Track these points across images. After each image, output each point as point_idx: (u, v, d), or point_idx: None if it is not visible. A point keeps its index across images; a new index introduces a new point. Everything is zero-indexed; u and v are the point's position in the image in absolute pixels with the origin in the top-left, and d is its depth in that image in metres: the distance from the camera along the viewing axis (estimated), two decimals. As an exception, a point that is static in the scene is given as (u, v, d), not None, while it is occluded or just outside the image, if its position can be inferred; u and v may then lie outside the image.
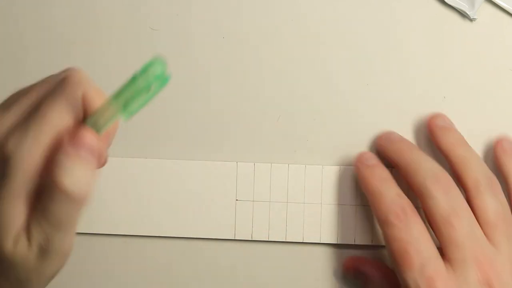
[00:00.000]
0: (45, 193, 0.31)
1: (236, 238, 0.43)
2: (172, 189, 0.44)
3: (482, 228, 0.39)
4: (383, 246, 0.43)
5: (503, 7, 0.43)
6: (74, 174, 0.31)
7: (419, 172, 0.39)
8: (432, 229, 0.39)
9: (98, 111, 0.32)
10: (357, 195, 0.43)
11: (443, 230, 0.38)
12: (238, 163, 0.44)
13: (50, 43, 0.44)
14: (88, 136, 0.32)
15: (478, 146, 0.43)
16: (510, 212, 0.40)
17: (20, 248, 0.32)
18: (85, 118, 0.33)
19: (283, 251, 0.44)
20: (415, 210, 0.39)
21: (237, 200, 0.43)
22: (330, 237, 0.43)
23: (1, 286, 0.33)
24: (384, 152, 0.43)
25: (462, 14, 0.43)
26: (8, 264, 0.32)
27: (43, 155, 0.32)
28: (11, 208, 0.32)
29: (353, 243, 0.43)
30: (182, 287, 0.44)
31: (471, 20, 0.43)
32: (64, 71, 0.33)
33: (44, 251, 0.32)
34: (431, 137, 0.42)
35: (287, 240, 0.43)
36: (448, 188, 0.39)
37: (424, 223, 0.39)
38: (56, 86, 0.33)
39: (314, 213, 0.43)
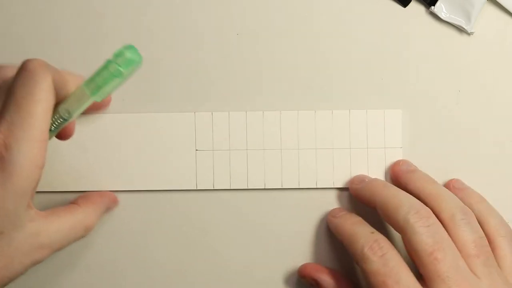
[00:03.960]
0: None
1: (198, 188, 0.45)
2: (132, 143, 0.45)
3: (464, 259, 0.39)
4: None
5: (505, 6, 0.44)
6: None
7: (398, 208, 0.40)
8: (415, 263, 0.39)
9: (71, 96, 0.37)
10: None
11: (427, 264, 0.38)
12: (195, 113, 0.45)
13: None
14: None
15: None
16: (486, 241, 0.40)
17: None
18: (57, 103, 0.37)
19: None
20: (389, 243, 0.40)
21: (197, 150, 0.45)
22: (292, 183, 0.45)
23: None
24: (358, 194, 0.43)
25: (460, 29, 0.45)
26: None
27: None
28: None
29: (315, 187, 0.45)
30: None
31: (468, 34, 0.45)
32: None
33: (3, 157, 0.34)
34: (398, 182, 0.43)
35: (249, 187, 0.45)
36: (429, 220, 0.39)
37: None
38: (18, 77, 0.36)
39: (275, 159, 0.44)
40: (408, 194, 0.41)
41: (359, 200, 0.44)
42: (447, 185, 0.44)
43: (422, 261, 0.38)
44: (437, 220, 0.40)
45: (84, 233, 0.41)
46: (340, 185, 0.45)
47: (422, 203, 0.40)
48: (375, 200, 0.42)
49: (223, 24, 0.46)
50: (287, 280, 0.45)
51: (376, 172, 0.45)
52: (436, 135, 0.45)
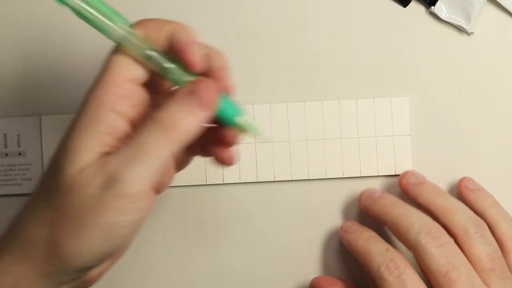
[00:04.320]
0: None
1: (207, 183, 0.45)
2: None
3: (478, 274, 0.39)
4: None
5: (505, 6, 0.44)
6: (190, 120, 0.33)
7: (409, 229, 0.40)
8: (430, 283, 0.39)
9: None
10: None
11: (442, 284, 0.38)
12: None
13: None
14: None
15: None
16: (500, 253, 0.40)
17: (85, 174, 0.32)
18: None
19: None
20: (406, 261, 0.39)
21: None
22: (302, 174, 0.45)
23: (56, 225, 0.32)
24: (368, 212, 0.43)
25: (460, 29, 0.45)
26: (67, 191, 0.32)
27: None
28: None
29: (324, 177, 0.45)
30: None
31: (468, 34, 0.45)
32: None
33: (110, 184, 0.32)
34: (407, 195, 0.43)
35: (258, 181, 0.45)
36: (441, 240, 0.39)
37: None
38: None
39: (283, 151, 0.44)
40: (419, 212, 0.41)
41: (369, 217, 0.43)
42: (459, 184, 0.44)
43: (437, 281, 0.39)
44: (449, 238, 0.40)
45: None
46: (350, 175, 0.45)
47: (433, 221, 0.40)
48: (385, 219, 0.42)
49: (223, 24, 0.46)
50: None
51: (385, 160, 0.45)
52: (436, 134, 0.45)
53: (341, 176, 0.45)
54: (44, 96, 0.46)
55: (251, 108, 0.45)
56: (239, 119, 0.35)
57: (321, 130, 0.45)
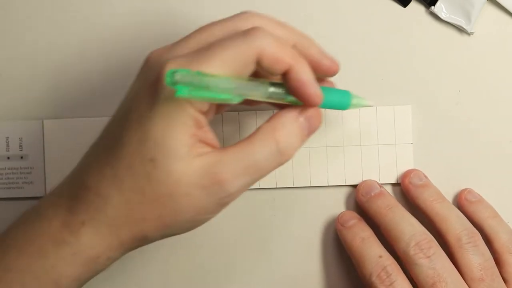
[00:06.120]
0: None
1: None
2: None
3: (468, 284, 0.40)
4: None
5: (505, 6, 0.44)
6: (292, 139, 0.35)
7: (399, 238, 0.40)
8: None
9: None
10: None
11: None
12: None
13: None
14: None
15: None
16: (493, 262, 0.41)
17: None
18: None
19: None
20: (398, 268, 0.40)
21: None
22: (304, 181, 0.45)
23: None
24: (363, 208, 0.44)
25: (460, 29, 0.45)
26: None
27: None
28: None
29: (326, 185, 0.45)
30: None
31: (469, 34, 0.45)
32: (248, 20, 0.36)
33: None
34: (407, 196, 0.44)
35: (260, 187, 0.45)
36: (430, 251, 0.40)
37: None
38: (235, 36, 0.34)
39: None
40: (411, 220, 0.41)
41: (363, 212, 0.44)
42: (459, 196, 0.44)
43: None
44: (439, 249, 0.40)
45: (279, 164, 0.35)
46: (351, 183, 0.45)
47: (424, 231, 0.41)
48: (379, 222, 0.42)
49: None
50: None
51: (387, 169, 0.45)
52: (435, 135, 0.45)
53: (343, 183, 0.45)
54: (46, 100, 0.46)
55: (253, 115, 0.45)
56: (353, 104, 0.38)
57: (324, 137, 0.45)
